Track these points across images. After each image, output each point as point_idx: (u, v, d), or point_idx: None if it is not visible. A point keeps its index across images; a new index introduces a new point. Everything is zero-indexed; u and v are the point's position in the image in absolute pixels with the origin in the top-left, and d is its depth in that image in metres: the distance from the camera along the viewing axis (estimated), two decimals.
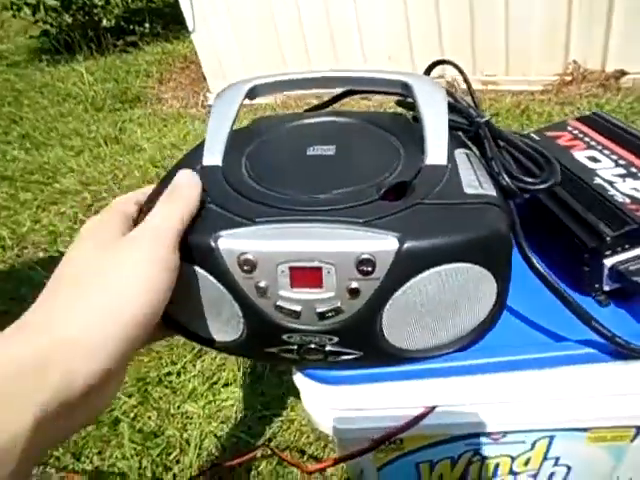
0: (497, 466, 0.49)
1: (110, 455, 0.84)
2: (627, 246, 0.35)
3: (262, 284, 0.31)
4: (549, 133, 0.47)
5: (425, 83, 0.41)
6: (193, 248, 0.32)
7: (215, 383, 0.92)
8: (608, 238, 0.34)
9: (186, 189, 0.34)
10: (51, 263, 1.29)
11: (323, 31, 2.16)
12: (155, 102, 2.51)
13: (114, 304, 0.26)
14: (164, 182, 0.39)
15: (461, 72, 0.47)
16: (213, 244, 0.31)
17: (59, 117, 2.40)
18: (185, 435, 0.84)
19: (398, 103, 0.48)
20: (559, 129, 0.47)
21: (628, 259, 0.35)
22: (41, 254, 1.39)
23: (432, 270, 0.30)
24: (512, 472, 0.50)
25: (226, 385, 0.91)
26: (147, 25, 3.55)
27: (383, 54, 2.13)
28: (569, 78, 1.76)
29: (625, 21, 1.58)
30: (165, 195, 0.33)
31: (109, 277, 0.27)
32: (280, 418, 0.83)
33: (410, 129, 0.40)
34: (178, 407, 0.89)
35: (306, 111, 0.52)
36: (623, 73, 1.66)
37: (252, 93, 0.44)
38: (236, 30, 2.32)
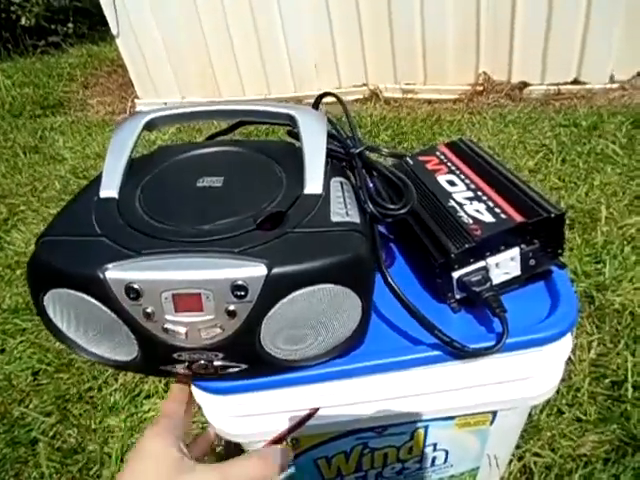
0: (385, 456, 0.54)
1: (28, 476, 0.83)
2: (471, 260, 0.41)
3: (149, 310, 0.35)
4: (421, 157, 0.52)
5: (308, 116, 0.45)
6: (84, 279, 0.34)
7: (137, 396, 0.93)
8: (453, 254, 0.40)
9: None
10: None
11: (250, 37, 2.18)
12: (79, 108, 2.44)
13: None
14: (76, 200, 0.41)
15: (342, 104, 0.52)
16: (101, 275, 0.34)
17: None
18: (106, 449, 0.84)
19: (289, 133, 0.51)
20: (429, 154, 0.53)
21: (470, 272, 0.41)
22: None
23: (299, 292, 0.34)
24: (399, 460, 0.55)
25: (148, 397, 0.92)
26: (71, 25, 3.43)
27: (309, 63, 2.19)
28: (480, 88, 1.89)
29: (524, 37, 1.73)
30: None
31: None
32: (200, 425, 0.85)
33: (296, 158, 0.43)
34: (99, 422, 0.89)
35: (207, 138, 0.56)
36: (525, 85, 1.81)
37: (149, 126, 0.47)
38: (163, 34, 2.30)
